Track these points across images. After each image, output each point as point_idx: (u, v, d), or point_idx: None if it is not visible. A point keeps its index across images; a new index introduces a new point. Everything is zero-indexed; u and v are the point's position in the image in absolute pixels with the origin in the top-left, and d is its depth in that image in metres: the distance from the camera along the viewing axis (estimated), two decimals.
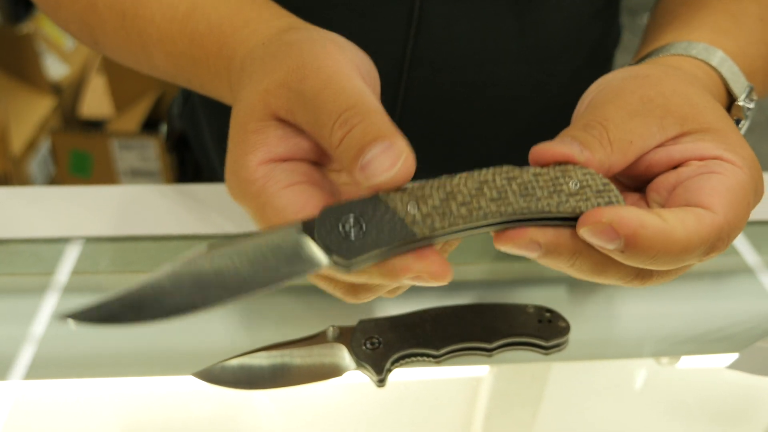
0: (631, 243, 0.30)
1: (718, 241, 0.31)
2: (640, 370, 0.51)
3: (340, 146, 0.32)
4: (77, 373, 0.48)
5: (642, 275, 0.33)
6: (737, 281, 0.57)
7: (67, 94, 1.76)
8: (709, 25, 0.46)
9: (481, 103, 0.59)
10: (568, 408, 0.48)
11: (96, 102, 1.75)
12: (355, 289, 0.35)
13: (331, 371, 0.45)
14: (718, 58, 0.43)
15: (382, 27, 0.54)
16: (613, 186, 0.32)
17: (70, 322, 0.29)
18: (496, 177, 0.31)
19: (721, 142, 0.34)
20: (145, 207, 0.60)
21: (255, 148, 0.34)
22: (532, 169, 0.32)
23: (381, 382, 0.45)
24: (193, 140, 0.75)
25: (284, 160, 0.34)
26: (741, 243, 0.58)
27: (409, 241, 0.30)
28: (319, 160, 0.36)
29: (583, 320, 0.51)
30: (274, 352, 0.46)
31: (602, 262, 0.32)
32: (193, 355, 0.49)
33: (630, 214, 0.30)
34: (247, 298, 0.29)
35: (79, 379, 0.48)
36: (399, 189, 0.31)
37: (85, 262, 0.56)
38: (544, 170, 0.32)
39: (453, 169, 0.33)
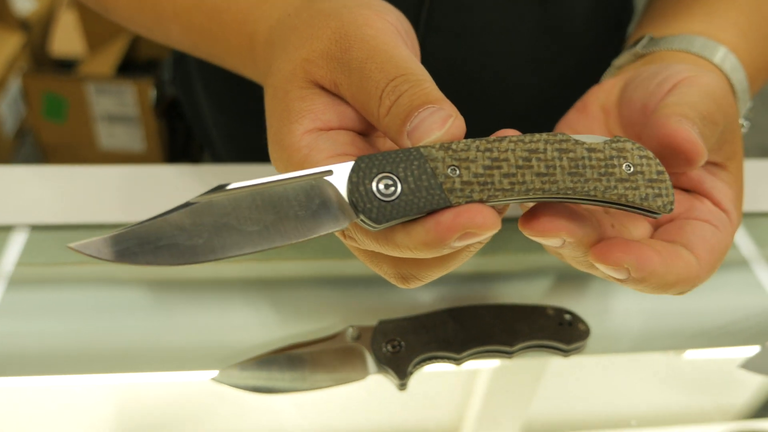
0: (635, 281, 0.32)
1: (688, 289, 0.34)
2: (647, 364, 0.51)
3: (389, 115, 0.30)
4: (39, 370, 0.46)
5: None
6: (735, 276, 0.57)
7: (36, 31, 1.67)
8: (731, 24, 0.45)
9: (495, 73, 0.57)
10: (576, 399, 0.49)
11: (67, 40, 1.66)
12: (405, 266, 0.32)
13: (353, 375, 0.45)
14: (742, 85, 0.43)
15: None
16: (666, 176, 0.30)
17: (81, 251, 0.27)
18: (548, 147, 0.29)
19: (734, 193, 0.37)
20: (99, 191, 0.55)
21: (300, 115, 0.32)
22: (587, 143, 0.30)
23: (403, 386, 0.45)
24: (187, 107, 0.72)
25: (330, 128, 0.33)
26: (740, 236, 0.59)
27: (442, 209, 0.28)
28: (364, 130, 0.34)
29: (590, 314, 0.51)
30: (293, 355, 0.45)
31: None
32: (208, 352, 0.48)
33: (648, 261, 0.31)
34: (268, 249, 0.27)
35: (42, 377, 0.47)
36: (443, 146, 0.29)
37: (30, 253, 0.52)
38: (600, 146, 0.30)
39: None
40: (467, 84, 0.57)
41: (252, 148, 0.67)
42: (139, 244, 0.27)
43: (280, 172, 0.33)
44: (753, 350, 0.49)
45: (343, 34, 0.33)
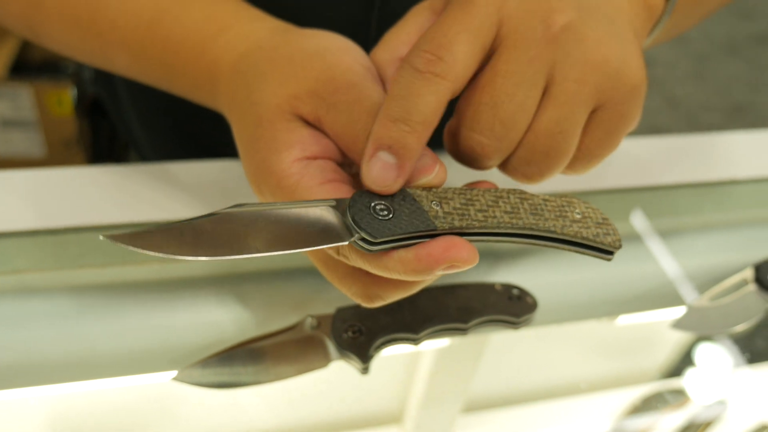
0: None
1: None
2: (586, 331, 0.55)
3: None
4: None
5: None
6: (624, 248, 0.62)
7: None
8: None
9: None
10: (524, 370, 0.51)
11: None
12: (374, 287, 0.35)
13: (316, 363, 0.45)
14: None
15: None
16: (610, 221, 0.36)
17: (112, 240, 0.30)
18: (510, 195, 0.35)
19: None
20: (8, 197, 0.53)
21: (290, 145, 0.35)
22: (541, 196, 0.35)
23: (365, 370, 0.46)
24: (109, 106, 0.70)
25: (316, 157, 0.36)
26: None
27: (430, 232, 0.32)
28: (342, 160, 0.37)
29: (530, 288, 0.54)
30: (254, 348, 0.45)
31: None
32: (160, 354, 0.47)
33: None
34: (277, 253, 0.31)
35: None
36: (425, 188, 0.34)
37: None
38: (552, 198, 0.35)
39: None
40: None
41: (180, 148, 0.66)
42: (165, 238, 0.30)
43: (265, 196, 0.37)
44: (680, 311, 0.53)
45: (330, 76, 0.36)
